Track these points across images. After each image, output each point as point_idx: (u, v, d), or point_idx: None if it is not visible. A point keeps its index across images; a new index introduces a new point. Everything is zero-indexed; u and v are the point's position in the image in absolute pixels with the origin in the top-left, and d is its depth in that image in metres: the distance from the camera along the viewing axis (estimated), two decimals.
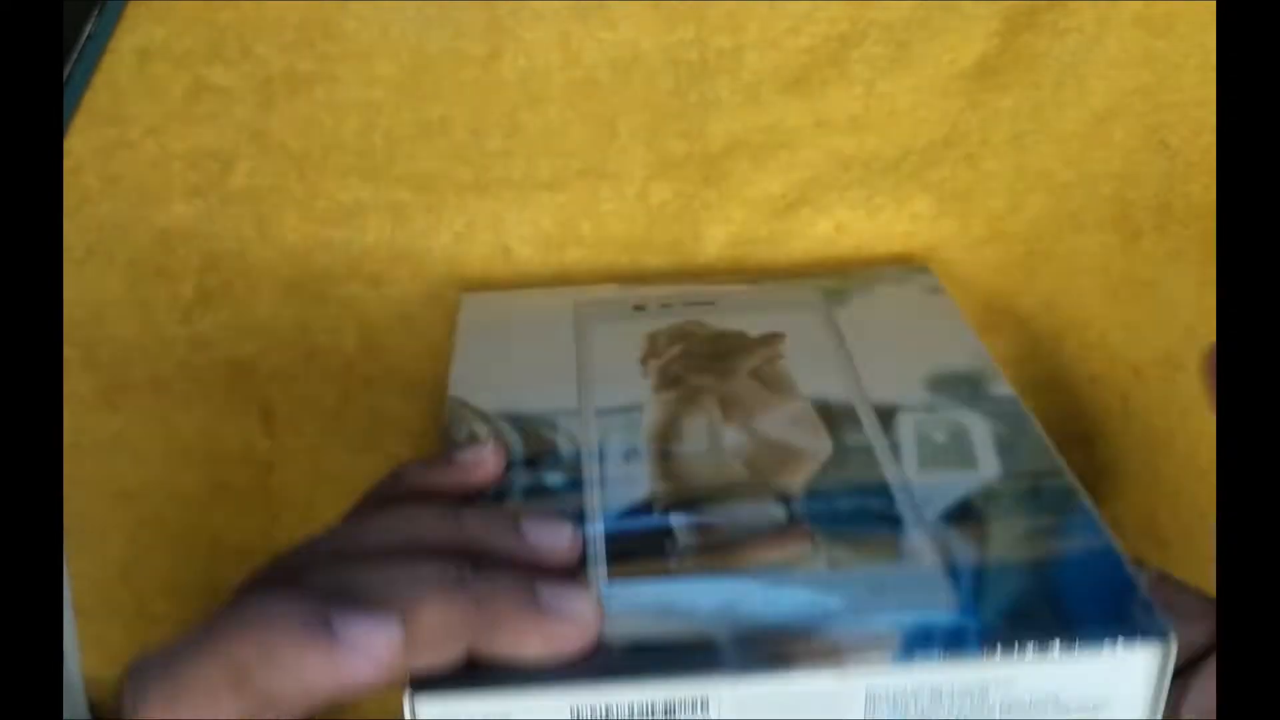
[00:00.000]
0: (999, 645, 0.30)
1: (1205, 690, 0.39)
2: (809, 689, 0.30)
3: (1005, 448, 0.37)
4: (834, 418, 0.39)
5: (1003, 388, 0.40)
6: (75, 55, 0.44)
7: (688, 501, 0.36)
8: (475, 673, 0.30)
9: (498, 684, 0.30)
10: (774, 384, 0.41)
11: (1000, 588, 0.32)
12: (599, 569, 0.33)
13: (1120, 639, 0.30)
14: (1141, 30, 0.46)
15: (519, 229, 0.47)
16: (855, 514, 0.35)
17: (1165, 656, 0.30)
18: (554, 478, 0.37)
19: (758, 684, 0.30)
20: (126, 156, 0.46)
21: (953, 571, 0.32)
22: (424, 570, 0.31)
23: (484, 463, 0.37)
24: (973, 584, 0.32)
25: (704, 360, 0.43)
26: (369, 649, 0.29)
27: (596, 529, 0.35)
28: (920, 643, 0.30)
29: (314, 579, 0.31)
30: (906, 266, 0.48)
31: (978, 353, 0.41)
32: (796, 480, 0.37)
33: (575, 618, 0.31)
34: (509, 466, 0.38)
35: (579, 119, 0.46)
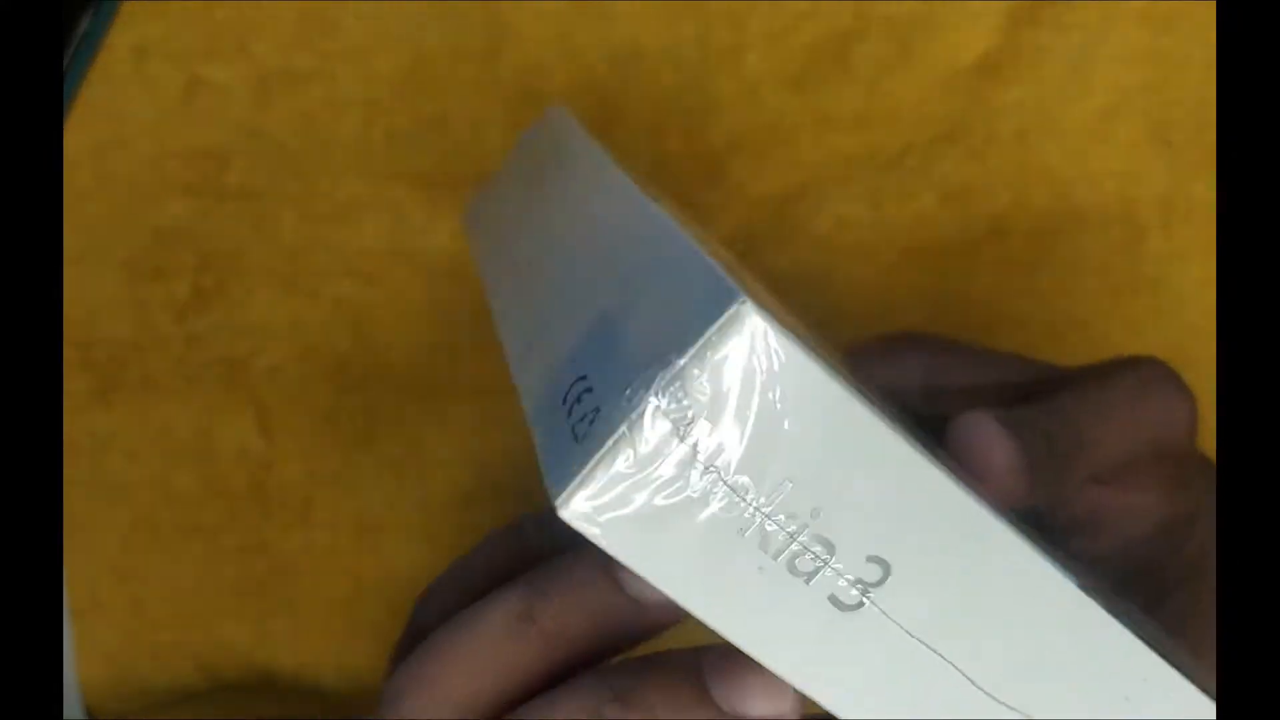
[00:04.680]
0: None
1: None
2: None
3: None
4: None
5: None
6: (71, 52, 0.44)
7: None
8: None
9: None
10: None
11: None
12: None
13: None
14: (1145, 27, 0.46)
15: None
16: None
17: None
18: None
19: None
20: (122, 154, 0.46)
21: None
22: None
23: None
24: None
25: None
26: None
27: None
28: None
29: None
30: None
31: None
32: None
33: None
34: None
35: (579, 116, 0.46)
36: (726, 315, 0.22)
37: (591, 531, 0.23)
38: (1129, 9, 0.46)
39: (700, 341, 0.22)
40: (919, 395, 0.39)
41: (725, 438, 0.22)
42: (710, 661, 0.27)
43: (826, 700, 0.25)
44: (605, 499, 0.23)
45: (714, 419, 0.22)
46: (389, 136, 0.46)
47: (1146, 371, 0.38)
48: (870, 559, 0.24)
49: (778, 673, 0.24)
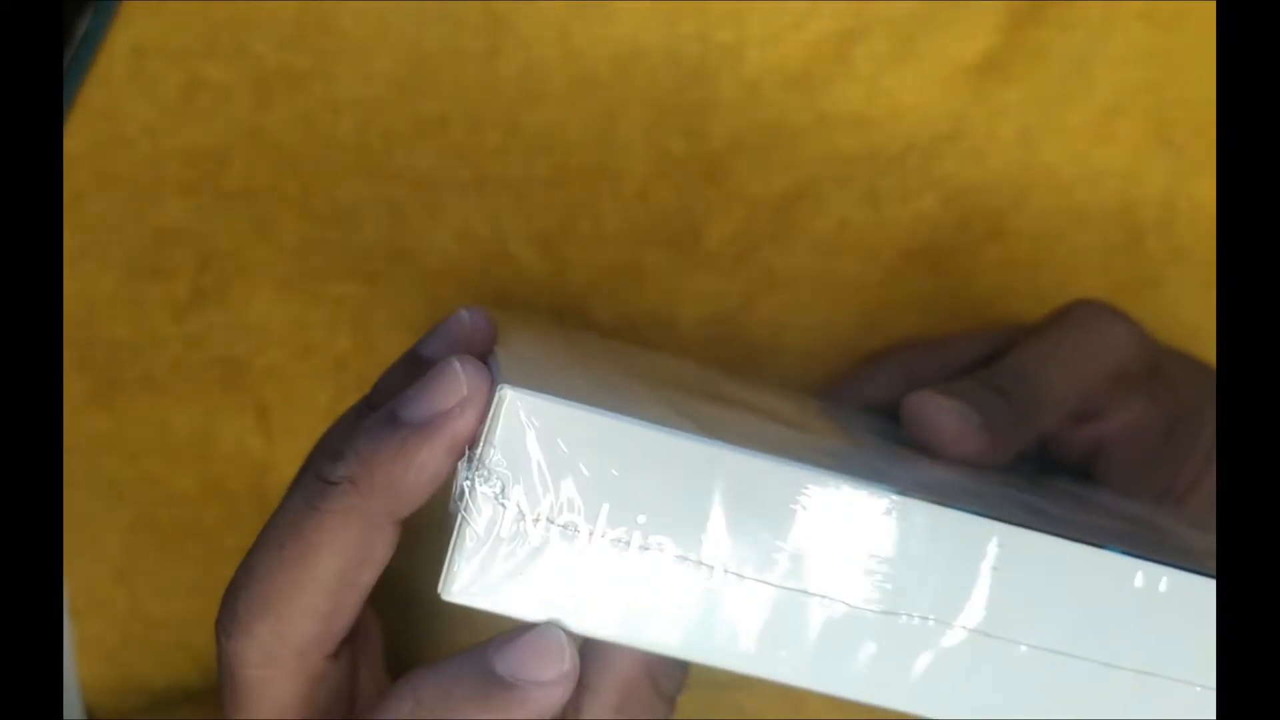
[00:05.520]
0: None
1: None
2: None
3: None
4: None
5: None
6: (70, 51, 0.44)
7: None
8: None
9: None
10: None
11: None
12: None
13: None
14: (1148, 26, 0.46)
15: (518, 227, 0.47)
16: None
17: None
18: None
19: None
20: (121, 154, 0.45)
21: None
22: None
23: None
24: None
25: None
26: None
27: None
28: None
29: None
30: None
31: None
32: None
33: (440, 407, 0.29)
34: None
35: (578, 116, 0.46)
36: (495, 399, 0.28)
37: (474, 603, 0.28)
38: (1131, 8, 0.46)
39: (485, 427, 0.28)
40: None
41: (538, 490, 0.28)
42: (494, 645, 0.29)
43: (707, 657, 0.29)
44: (471, 574, 0.28)
45: (522, 480, 0.27)
46: (388, 136, 0.46)
47: (1080, 311, 0.41)
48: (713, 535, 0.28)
49: (659, 650, 0.29)
